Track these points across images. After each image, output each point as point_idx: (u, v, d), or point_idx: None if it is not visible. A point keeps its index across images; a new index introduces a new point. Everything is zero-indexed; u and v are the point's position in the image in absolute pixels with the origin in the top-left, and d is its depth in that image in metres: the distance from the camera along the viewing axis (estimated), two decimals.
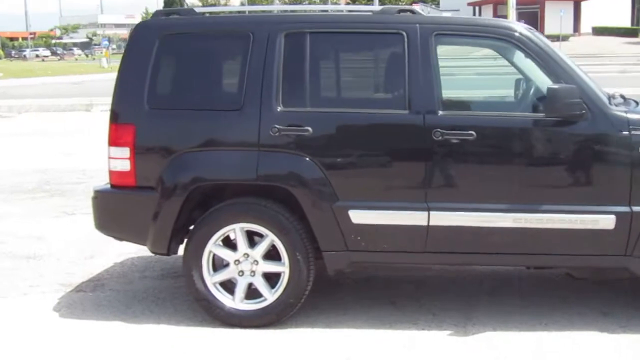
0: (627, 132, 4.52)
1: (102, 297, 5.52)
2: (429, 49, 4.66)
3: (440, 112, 4.61)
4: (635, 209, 4.51)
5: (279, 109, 4.71)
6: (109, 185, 5.02)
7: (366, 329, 4.82)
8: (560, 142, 4.59)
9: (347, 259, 4.78)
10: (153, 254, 5.13)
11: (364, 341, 4.63)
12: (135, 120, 4.85)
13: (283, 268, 4.78)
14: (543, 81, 4.70)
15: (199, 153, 4.79)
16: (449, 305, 5.17)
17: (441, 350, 4.48)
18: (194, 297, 4.94)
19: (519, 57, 4.83)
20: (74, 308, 5.29)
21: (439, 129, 4.58)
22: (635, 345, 4.48)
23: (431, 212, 4.62)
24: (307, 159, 4.67)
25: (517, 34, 4.71)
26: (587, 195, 4.58)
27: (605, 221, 4.53)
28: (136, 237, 5.06)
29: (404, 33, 4.68)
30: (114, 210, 5.02)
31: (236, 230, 4.80)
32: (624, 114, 4.58)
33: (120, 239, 5.21)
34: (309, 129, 4.66)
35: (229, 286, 4.90)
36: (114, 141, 4.90)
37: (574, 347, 4.48)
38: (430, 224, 4.63)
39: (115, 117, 4.91)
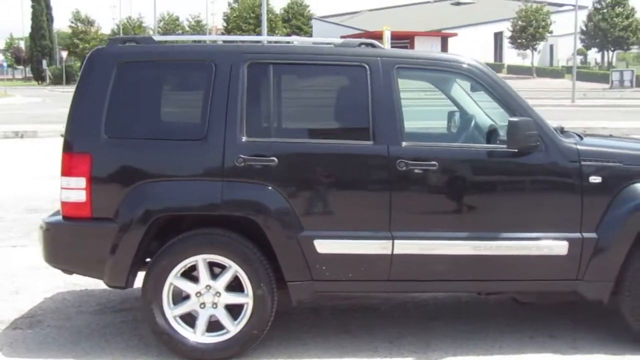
0: (577, 163, 4.78)
1: (43, 334, 5.25)
2: (391, 82, 4.78)
3: (404, 143, 4.73)
4: (586, 235, 4.77)
5: (243, 139, 4.68)
6: (60, 217, 4.82)
7: (329, 358, 4.83)
8: (517, 172, 4.80)
9: (312, 288, 4.78)
10: (109, 287, 4.94)
11: None
12: (92, 150, 4.69)
13: (246, 299, 4.72)
14: (497, 114, 4.92)
15: (160, 183, 4.67)
16: (402, 332, 5.25)
17: None
18: (153, 331, 4.79)
19: (473, 89, 5.03)
20: (16, 347, 5.01)
21: (402, 160, 4.69)
22: None
23: (395, 241, 4.70)
24: (273, 189, 4.66)
25: (473, 69, 4.90)
26: (542, 222, 4.80)
27: (559, 247, 4.76)
28: (90, 271, 4.86)
29: (367, 66, 4.79)
30: (67, 242, 4.80)
31: (199, 262, 4.70)
32: (574, 146, 4.84)
33: (72, 272, 4.99)
34: (275, 159, 4.66)
35: (188, 319, 4.79)
36: (67, 171, 4.71)
37: None
38: (394, 252, 4.71)
39: (70, 146, 4.73)
